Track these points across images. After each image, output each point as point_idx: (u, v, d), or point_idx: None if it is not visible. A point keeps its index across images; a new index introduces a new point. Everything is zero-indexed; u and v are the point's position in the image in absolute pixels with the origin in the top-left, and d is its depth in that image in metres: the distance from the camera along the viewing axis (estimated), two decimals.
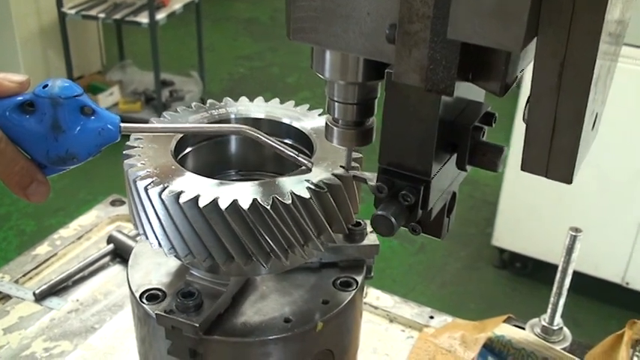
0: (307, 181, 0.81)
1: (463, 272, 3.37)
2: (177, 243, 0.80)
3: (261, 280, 0.92)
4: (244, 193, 0.79)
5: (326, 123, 0.81)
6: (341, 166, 0.84)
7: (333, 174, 0.82)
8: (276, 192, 0.79)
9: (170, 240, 0.81)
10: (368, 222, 0.97)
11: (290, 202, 0.77)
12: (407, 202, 0.72)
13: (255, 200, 0.77)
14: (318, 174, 0.83)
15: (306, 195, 0.78)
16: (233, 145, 1.01)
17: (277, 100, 1.02)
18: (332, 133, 0.80)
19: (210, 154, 1.00)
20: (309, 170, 0.84)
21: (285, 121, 0.97)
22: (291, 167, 0.87)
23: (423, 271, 3.38)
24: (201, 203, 0.76)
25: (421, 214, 0.74)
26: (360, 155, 0.87)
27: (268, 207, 0.76)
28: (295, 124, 0.96)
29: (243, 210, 0.76)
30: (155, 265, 0.92)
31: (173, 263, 0.92)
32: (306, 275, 0.93)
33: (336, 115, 0.78)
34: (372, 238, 0.95)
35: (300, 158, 0.85)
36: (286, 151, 0.85)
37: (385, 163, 0.73)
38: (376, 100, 0.78)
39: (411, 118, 0.69)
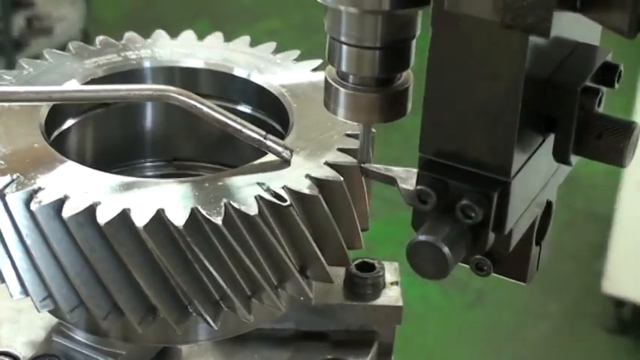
0: (280, 178, 0.83)
1: (553, 341, 3.41)
2: (57, 287, 0.83)
3: (190, 354, 0.95)
4: (173, 198, 0.81)
5: (326, 81, 0.83)
6: (339, 149, 0.86)
7: (326, 163, 0.85)
8: (229, 196, 0.81)
9: (45, 282, 0.83)
10: (386, 265, 0.99)
11: (256, 212, 0.80)
12: (469, 221, 0.74)
13: (194, 211, 0.79)
14: (298, 167, 0.85)
15: (285, 200, 0.81)
16: (148, 114, 1.04)
17: (247, 38, 1.04)
18: (337, 99, 0.82)
19: (107, 131, 1.03)
20: (286, 162, 0.86)
21: (239, 73, 0.99)
22: (250, 155, 0.89)
23: (480, 339, 3.41)
24: (102, 218, 0.78)
25: (494, 240, 0.76)
26: (373, 131, 0.89)
27: (219, 222, 0.79)
28: (256, 79, 0.98)
29: (175, 228, 0.79)
30: (14, 314, 0.94)
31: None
32: (271, 350, 0.96)
33: (343, 68, 0.80)
34: (390, 295, 0.98)
35: (269, 143, 0.87)
36: (246, 131, 0.87)
37: (431, 153, 0.75)
38: (414, 43, 0.80)
39: (476, 75, 0.71)
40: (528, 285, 2.95)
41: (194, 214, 0.79)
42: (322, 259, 0.85)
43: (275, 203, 0.81)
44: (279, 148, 0.87)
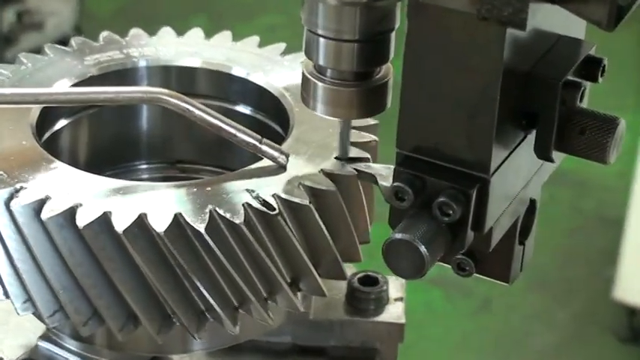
0: (272, 185, 0.84)
1: (562, 350, 3.40)
2: (37, 290, 0.84)
3: None
4: (160, 203, 0.82)
5: (303, 75, 0.84)
6: (337, 158, 0.87)
7: (322, 171, 0.85)
8: (216, 202, 0.81)
9: (25, 285, 0.84)
10: (392, 279, 1.00)
11: (242, 220, 0.80)
12: (447, 219, 0.75)
13: (177, 217, 0.80)
14: (293, 174, 0.86)
15: (274, 208, 0.81)
16: (144, 115, 1.04)
17: (256, 39, 1.05)
18: (315, 94, 0.83)
19: (102, 131, 1.03)
20: (281, 168, 0.87)
21: (238, 73, 1.00)
22: (247, 159, 0.90)
23: (486, 348, 3.40)
24: (81, 220, 0.79)
25: (473, 238, 0.77)
26: (374, 138, 0.90)
27: (202, 229, 0.79)
28: (256, 79, 0.99)
29: (157, 234, 0.79)
30: (4, 315, 0.95)
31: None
32: None
33: (321, 62, 0.81)
34: (393, 311, 0.98)
35: (265, 147, 0.87)
36: (240, 135, 0.87)
37: (409, 149, 0.76)
38: (393, 36, 0.81)
39: (454, 68, 0.72)
40: (536, 290, 2.94)
41: (177, 219, 0.80)
42: (314, 272, 0.86)
43: (263, 212, 0.82)
44: (275, 153, 0.87)
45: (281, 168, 0.87)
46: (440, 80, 0.74)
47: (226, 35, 1.05)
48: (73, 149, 1.00)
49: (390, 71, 0.83)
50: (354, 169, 0.87)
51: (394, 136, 0.76)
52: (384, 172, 0.84)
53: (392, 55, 0.83)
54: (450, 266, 0.82)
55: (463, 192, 0.75)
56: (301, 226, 0.84)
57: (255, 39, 1.05)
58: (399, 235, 0.75)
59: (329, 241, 0.85)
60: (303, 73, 0.84)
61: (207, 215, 0.80)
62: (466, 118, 0.74)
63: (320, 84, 0.83)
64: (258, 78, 0.98)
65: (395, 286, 0.99)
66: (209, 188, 0.84)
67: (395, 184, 0.77)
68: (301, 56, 1.01)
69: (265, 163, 0.87)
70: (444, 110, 0.74)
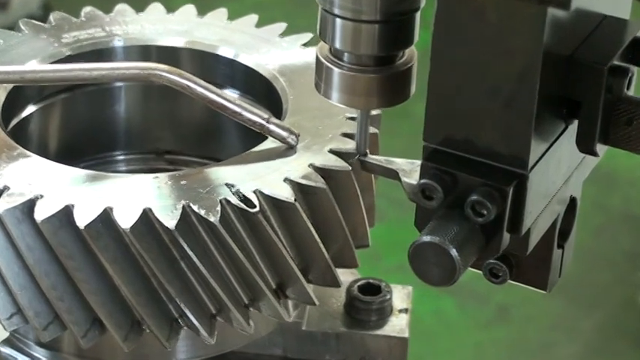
0: (256, 179, 0.84)
1: None
2: None
3: None
4: (129, 196, 0.82)
5: (317, 60, 0.83)
6: (331, 151, 0.87)
7: (312, 165, 0.85)
8: (191, 197, 0.81)
9: None
10: (397, 288, 0.99)
11: (218, 218, 0.80)
12: (481, 219, 0.74)
13: (146, 212, 0.80)
14: (280, 167, 0.86)
15: (254, 205, 0.81)
16: (122, 99, 1.05)
17: (254, 17, 1.05)
18: (330, 80, 0.83)
19: (75, 120, 1.04)
20: (291, 149, 0.87)
21: (225, 53, 1.00)
22: (242, 149, 0.90)
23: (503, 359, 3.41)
24: (39, 214, 0.79)
25: (509, 241, 0.77)
26: (375, 131, 0.90)
27: (172, 226, 0.79)
28: (245, 61, 0.99)
29: (123, 230, 0.79)
30: None
31: None
32: None
33: (338, 45, 0.81)
34: (395, 324, 0.98)
35: (272, 127, 0.87)
36: (246, 114, 0.88)
37: (437, 142, 0.76)
38: (418, 16, 0.81)
39: (488, 52, 0.72)
40: (556, 297, 2.95)
41: (145, 215, 0.79)
42: (302, 277, 0.85)
43: (242, 209, 0.81)
44: (284, 133, 0.87)
45: (291, 149, 0.87)
46: (472, 65, 0.73)
47: (221, 13, 1.05)
48: (43, 138, 1.01)
49: (414, 56, 0.83)
50: (373, 163, 0.87)
51: (396, 127, 0.76)
52: (406, 167, 0.84)
53: (416, 37, 0.82)
54: (480, 271, 0.82)
55: (499, 189, 0.74)
56: (287, 226, 0.84)
57: (253, 18, 1.05)
58: (427, 238, 0.74)
59: (319, 244, 0.85)
60: (317, 57, 0.84)
61: (180, 211, 0.80)
62: (502, 107, 0.73)
63: (336, 69, 0.82)
64: (249, 60, 0.98)
65: (400, 295, 0.99)
66: (184, 181, 0.84)
67: (422, 181, 0.76)
68: (302, 38, 1.02)
69: (251, 153, 0.88)
70: (477, 98, 0.74)
